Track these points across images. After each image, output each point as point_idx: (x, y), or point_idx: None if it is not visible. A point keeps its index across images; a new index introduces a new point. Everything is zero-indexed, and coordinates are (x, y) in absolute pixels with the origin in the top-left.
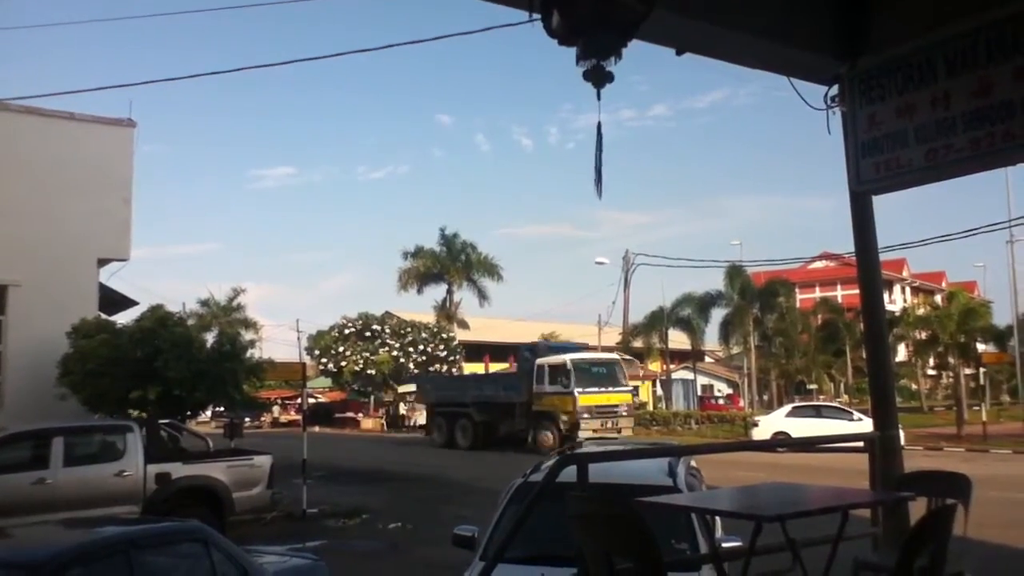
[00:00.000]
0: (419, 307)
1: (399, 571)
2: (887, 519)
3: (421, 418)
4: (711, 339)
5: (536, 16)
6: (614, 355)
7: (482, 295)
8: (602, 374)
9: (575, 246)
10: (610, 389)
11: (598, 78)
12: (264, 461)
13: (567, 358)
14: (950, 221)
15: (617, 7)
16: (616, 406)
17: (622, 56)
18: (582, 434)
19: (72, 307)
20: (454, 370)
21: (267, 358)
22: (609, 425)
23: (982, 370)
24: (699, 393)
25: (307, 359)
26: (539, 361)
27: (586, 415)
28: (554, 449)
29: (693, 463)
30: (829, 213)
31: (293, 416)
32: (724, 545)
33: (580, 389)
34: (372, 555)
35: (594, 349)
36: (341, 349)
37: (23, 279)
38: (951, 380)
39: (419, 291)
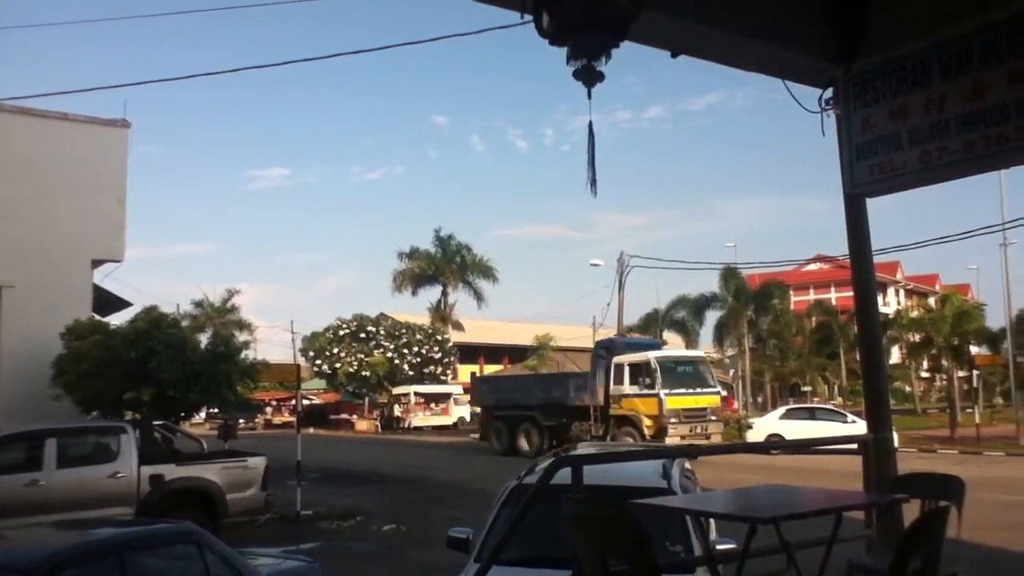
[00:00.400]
0: (414, 309)
1: (393, 573)
2: (881, 521)
3: (416, 420)
4: (706, 341)
5: (528, 17)
6: (700, 352)
7: (478, 296)
8: (688, 373)
9: (570, 248)
10: (698, 390)
11: (588, 78)
12: (258, 463)
13: (650, 356)
14: (944, 224)
15: (607, 6)
16: (704, 409)
17: (612, 56)
18: (669, 440)
19: (66, 308)
20: (448, 371)
21: (261, 359)
22: (698, 430)
23: (975, 372)
24: None
25: (301, 360)
26: (616, 359)
27: (673, 419)
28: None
29: (687, 465)
30: (824, 215)
31: (287, 417)
32: (718, 547)
33: (666, 390)
34: (366, 557)
35: (588, 351)
36: (335, 350)
37: (17, 280)
38: (944, 382)
39: (414, 293)
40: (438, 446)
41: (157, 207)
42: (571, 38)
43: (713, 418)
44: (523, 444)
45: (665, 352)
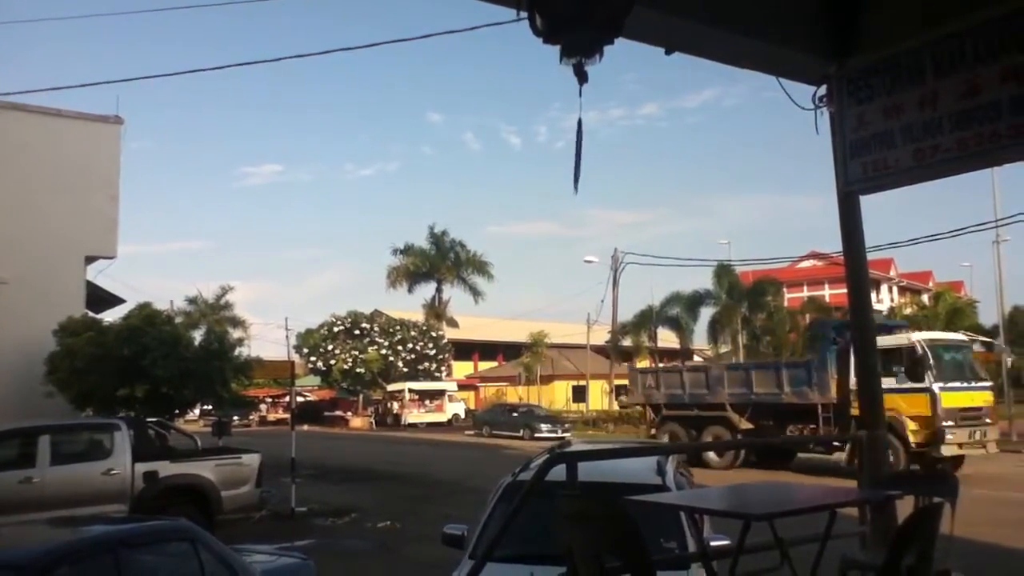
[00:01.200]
0: (409, 305)
1: (388, 570)
2: (875, 518)
3: (413, 416)
4: (700, 338)
5: (523, 15)
6: (962, 335)
7: (475, 293)
8: (958, 363)
9: (565, 244)
10: (971, 385)
11: (578, 76)
12: (252, 459)
13: (915, 339)
14: (938, 221)
15: (598, 4)
16: (980, 409)
17: (604, 54)
18: (946, 449)
19: (59, 305)
20: (443, 368)
21: (255, 356)
22: (976, 436)
23: None
24: None
25: (296, 357)
26: None
27: (949, 422)
28: (898, 471)
29: (682, 462)
30: (817, 212)
31: (281, 414)
32: (713, 544)
33: (939, 384)
34: (361, 554)
35: (583, 348)
36: (330, 347)
37: (10, 277)
38: None
39: (409, 290)
40: (432, 443)
41: (150, 203)
42: (563, 36)
43: (988, 421)
44: (711, 454)
45: (932, 334)
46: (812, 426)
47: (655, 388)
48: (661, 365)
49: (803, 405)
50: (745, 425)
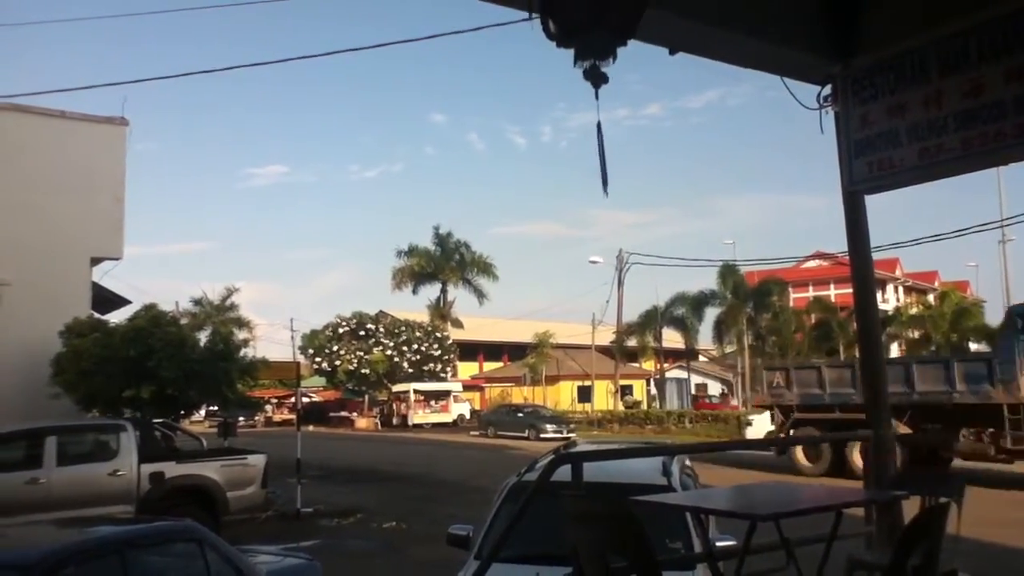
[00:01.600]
0: (414, 306)
1: (393, 570)
2: (881, 518)
3: (418, 417)
4: (705, 338)
5: (535, 16)
6: None
7: (480, 294)
8: None
9: (569, 245)
10: None
11: (594, 79)
12: (258, 460)
13: None
14: (943, 221)
15: (610, 8)
16: None
17: (617, 56)
18: None
19: (65, 306)
20: (448, 369)
21: (261, 357)
22: None
23: None
24: (693, 392)
25: (301, 358)
26: None
27: None
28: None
29: (687, 462)
30: (823, 212)
31: (287, 415)
32: (718, 544)
33: None
34: (366, 554)
35: (588, 348)
36: (335, 348)
37: (15, 278)
38: None
39: (414, 291)
40: (438, 443)
41: (156, 205)
42: (577, 40)
43: None
44: (858, 461)
45: None
46: (992, 430)
47: (785, 387)
48: (796, 362)
49: (983, 406)
50: (903, 429)
